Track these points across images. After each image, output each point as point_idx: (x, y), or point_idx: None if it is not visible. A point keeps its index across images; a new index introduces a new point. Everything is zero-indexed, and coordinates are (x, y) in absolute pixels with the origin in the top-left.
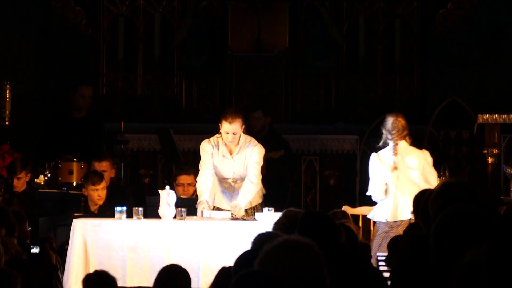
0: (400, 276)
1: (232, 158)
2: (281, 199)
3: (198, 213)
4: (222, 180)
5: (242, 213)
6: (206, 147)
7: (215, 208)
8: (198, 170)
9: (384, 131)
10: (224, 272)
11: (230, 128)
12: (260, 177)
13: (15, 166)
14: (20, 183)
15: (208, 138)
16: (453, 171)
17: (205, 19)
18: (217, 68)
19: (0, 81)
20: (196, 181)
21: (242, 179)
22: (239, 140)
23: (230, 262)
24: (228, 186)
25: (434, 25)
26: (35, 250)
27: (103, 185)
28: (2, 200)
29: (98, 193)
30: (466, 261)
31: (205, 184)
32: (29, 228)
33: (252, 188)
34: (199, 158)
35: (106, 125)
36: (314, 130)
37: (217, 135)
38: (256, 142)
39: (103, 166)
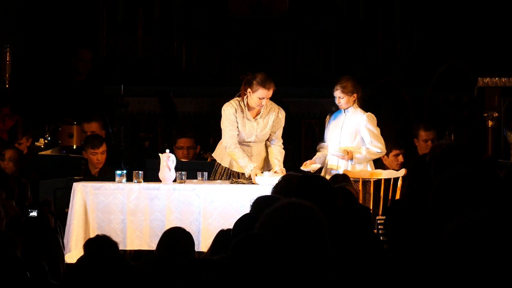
0: (399, 237)
1: (255, 121)
2: None
3: (254, 179)
4: (242, 143)
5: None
6: (228, 112)
7: (232, 172)
8: (198, 133)
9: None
10: (222, 235)
11: (269, 93)
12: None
13: (17, 132)
14: (21, 148)
15: (227, 101)
16: (454, 135)
17: None
18: (217, 31)
19: (0, 44)
20: (195, 144)
21: (262, 141)
22: None
23: (230, 225)
24: (249, 149)
25: None
26: (33, 213)
27: (102, 148)
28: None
29: (97, 157)
30: (453, 227)
31: (240, 152)
32: (31, 195)
33: (283, 153)
34: (200, 121)
35: (106, 88)
36: (314, 93)
37: (236, 98)
38: (276, 105)
39: (92, 127)
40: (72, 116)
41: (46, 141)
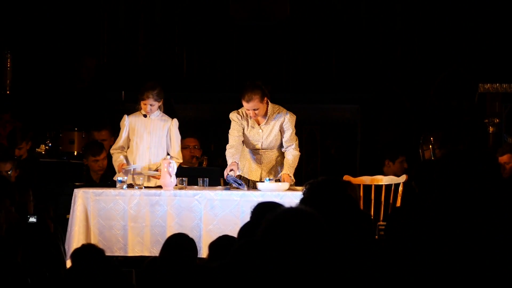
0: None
1: (260, 128)
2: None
3: (230, 172)
4: (253, 150)
5: (292, 180)
6: (234, 117)
7: (242, 178)
8: (199, 139)
9: None
10: (220, 242)
11: (249, 106)
12: (297, 142)
13: (15, 137)
14: (21, 153)
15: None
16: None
17: None
18: (218, 36)
19: (1, 51)
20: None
21: (270, 148)
22: (266, 110)
23: (230, 231)
24: (258, 156)
25: None
26: (33, 219)
27: (103, 155)
28: None
29: (98, 164)
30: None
31: (232, 151)
32: (32, 200)
33: (296, 155)
34: (201, 127)
35: (107, 94)
36: (315, 99)
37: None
38: (285, 110)
39: (102, 135)
40: (74, 123)
41: (47, 147)
